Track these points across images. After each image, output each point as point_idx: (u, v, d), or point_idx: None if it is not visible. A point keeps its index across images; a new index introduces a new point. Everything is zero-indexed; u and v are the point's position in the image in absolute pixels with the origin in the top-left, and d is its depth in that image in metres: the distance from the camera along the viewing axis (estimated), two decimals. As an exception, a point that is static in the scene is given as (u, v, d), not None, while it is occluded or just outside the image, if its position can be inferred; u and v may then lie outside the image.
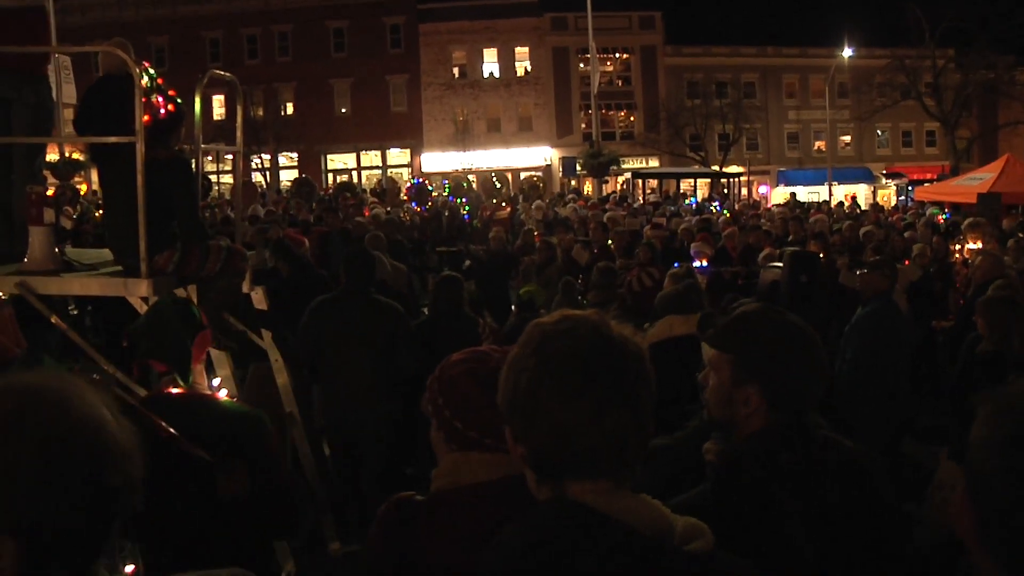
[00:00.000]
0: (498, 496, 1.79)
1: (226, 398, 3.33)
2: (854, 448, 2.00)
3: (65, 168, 4.82)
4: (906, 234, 13.26)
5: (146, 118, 4.27)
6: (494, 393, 1.89)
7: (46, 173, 4.91)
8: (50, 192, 4.46)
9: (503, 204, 20.64)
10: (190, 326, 3.13)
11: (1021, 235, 12.81)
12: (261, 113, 42.57)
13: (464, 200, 20.33)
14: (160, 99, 4.48)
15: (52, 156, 5.28)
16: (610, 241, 11.23)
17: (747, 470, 1.91)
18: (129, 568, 2.88)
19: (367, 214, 15.44)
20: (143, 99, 4.27)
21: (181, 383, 3.00)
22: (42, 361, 3.80)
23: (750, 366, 2.00)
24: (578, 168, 37.13)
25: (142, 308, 4.33)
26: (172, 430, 2.70)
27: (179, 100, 4.58)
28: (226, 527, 2.81)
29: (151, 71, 4.59)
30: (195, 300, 4.61)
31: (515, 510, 1.75)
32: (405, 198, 22.88)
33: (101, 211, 10.75)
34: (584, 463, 1.38)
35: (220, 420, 2.91)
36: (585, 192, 32.91)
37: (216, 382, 3.23)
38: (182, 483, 2.70)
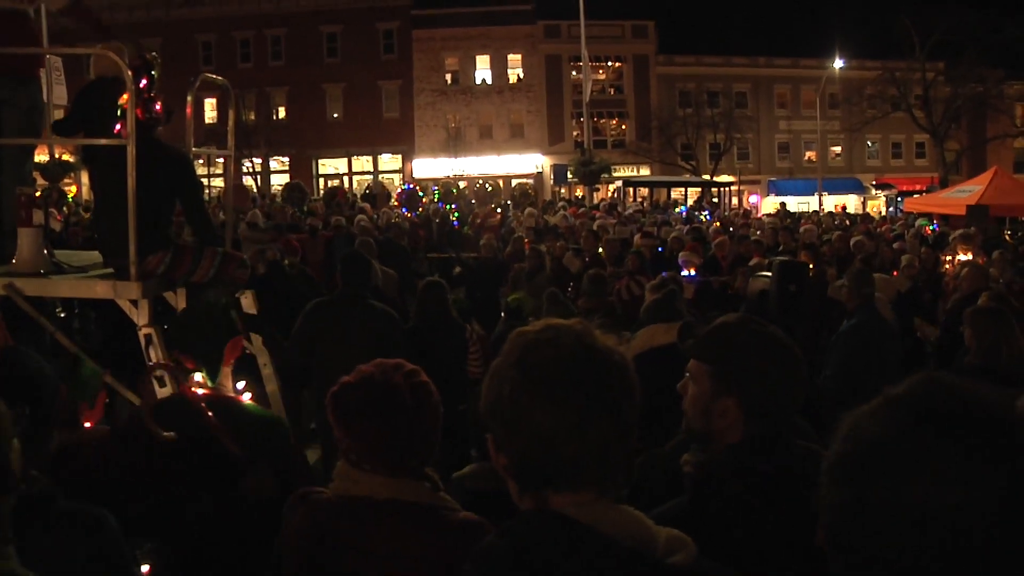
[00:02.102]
0: (398, 517, 2.00)
1: (250, 402, 3.32)
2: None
3: (55, 170, 4.81)
4: (895, 245, 13.32)
5: (138, 111, 4.25)
6: (353, 421, 2.09)
7: (35, 174, 4.88)
8: (37, 193, 4.46)
9: (497, 210, 20.65)
10: (227, 329, 3.16)
11: (1010, 240, 12.95)
12: (253, 117, 42.48)
13: (454, 206, 20.31)
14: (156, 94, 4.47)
15: (42, 157, 5.25)
16: (600, 249, 11.24)
17: (724, 482, 1.90)
18: (144, 568, 2.89)
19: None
20: (148, 92, 4.27)
21: (208, 383, 3.01)
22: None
23: (729, 377, 1.99)
24: (569, 176, 37.19)
25: (131, 311, 4.33)
26: (216, 423, 2.72)
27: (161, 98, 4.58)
28: (247, 528, 2.81)
29: (158, 58, 4.57)
30: (183, 304, 4.62)
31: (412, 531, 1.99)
32: (396, 204, 22.87)
33: (89, 213, 10.71)
34: (566, 473, 1.37)
35: (245, 422, 2.91)
36: (584, 200, 32.88)
37: (240, 385, 3.22)
38: (208, 482, 2.71)
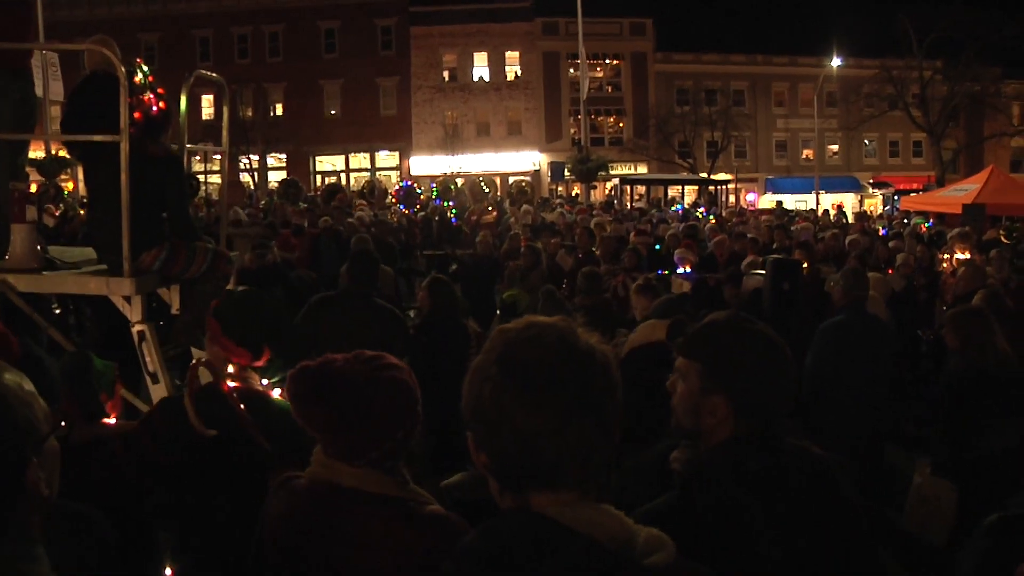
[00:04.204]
0: (372, 506, 1.98)
1: (279, 397, 3.31)
2: (822, 456, 1.99)
3: (51, 166, 4.78)
4: (891, 243, 13.31)
5: (137, 115, 4.25)
6: (301, 404, 2.06)
7: (31, 170, 4.85)
8: (32, 189, 4.44)
9: (490, 208, 20.58)
10: (280, 323, 3.16)
11: (1004, 238, 12.95)
12: (250, 113, 42.45)
13: (452, 203, 20.29)
14: (152, 96, 4.46)
15: (38, 153, 5.23)
16: (595, 247, 11.24)
17: (713, 479, 1.89)
18: (168, 572, 2.90)
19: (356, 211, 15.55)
20: (137, 95, 4.26)
21: (267, 378, 3.02)
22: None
23: (717, 375, 1.97)
24: (566, 173, 37.18)
25: (124, 307, 4.32)
26: (248, 417, 2.72)
27: (166, 98, 4.56)
28: None
29: (144, 68, 4.56)
30: (177, 301, 4.62)
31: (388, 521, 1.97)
32: (393, 200, 22.87)
33: (85, 209, 10.69)
34: (547, 473, 1.36)
35: (275, 416, 2.91)
36: (579, 198, 32.85)
37: (265, 381, 3.22)
38: (235, 478, 2.70)
